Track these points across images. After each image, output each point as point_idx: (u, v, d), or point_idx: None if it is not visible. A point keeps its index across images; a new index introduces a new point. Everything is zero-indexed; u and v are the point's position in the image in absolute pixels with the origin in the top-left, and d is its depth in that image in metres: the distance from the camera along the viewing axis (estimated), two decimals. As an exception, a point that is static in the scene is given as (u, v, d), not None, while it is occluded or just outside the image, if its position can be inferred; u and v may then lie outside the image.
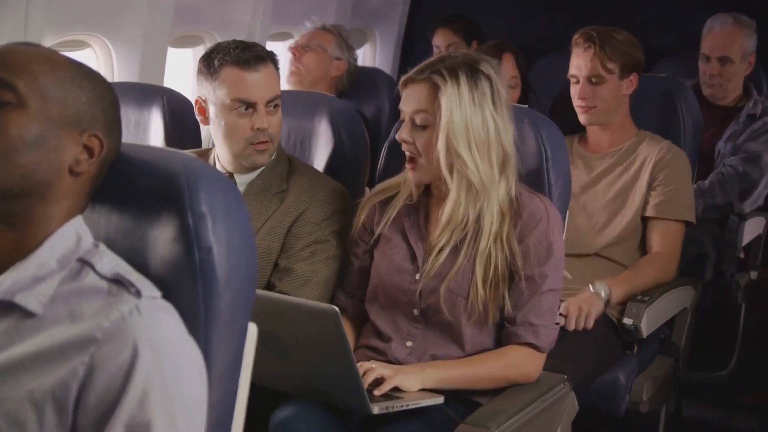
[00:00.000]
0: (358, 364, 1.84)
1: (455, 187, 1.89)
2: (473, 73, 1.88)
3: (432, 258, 1.94)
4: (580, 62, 2.67)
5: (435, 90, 1.87)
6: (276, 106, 2.16)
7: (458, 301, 1.92)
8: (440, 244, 1.94)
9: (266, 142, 2.14)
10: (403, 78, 1.94)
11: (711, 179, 3.27)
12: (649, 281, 2.57)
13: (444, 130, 1.86)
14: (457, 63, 1.88)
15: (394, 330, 1.99)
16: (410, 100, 1.92)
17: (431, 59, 1.93)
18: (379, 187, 2.11)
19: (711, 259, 3.19)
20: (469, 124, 1.86)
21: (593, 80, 2.65)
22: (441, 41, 4.02)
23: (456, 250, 1.93)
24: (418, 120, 1.90)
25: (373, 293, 2.04)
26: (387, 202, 2.06)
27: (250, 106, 2.12)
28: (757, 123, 3.33)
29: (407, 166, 1.96)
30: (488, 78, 1.89)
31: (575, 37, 2.70)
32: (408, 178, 1.98)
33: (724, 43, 3.36)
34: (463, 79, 1.86)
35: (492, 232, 1.89)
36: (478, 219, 1.90)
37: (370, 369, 1.84)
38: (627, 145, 2.73)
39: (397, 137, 1.95)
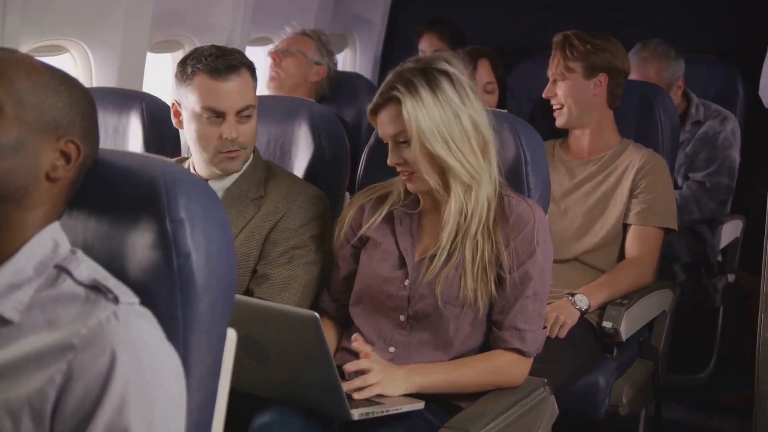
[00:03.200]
0: (350, 363, 1.84)
1: (453, 188, 1.90)
2: (428, 74, 1.88)
3: (426, 265, 1.94)
4: (551, 63, 2.76)
5: (399, 106, 1.87)
6: (248, 116, 2.14)
7: (448, 307, 1.92)
8: (436, 250, 1.93)
9: (236, 150, 2.13)
10: (369, 108, 1.93)
11: (684, 194, 3.29)
12: (627, 287, 2.59)
13: (417, 141, 1.87)
14: (411, 72, 1.89)
15: (378, 335, 1.99)
16: (385, 125, 1.91)
17: (388, 78, 1.92)
18: (366, 189, 2.11)
19: (684, 261, 3.22)
20: (439, 126, 1.86)
21: (556, 77, 2.73)
22: (426, 46, 4.02)
23: (448, 256, 1.93)
24: (399, 139, 1.90)
25: (358, 297, 2.04)
26: (376, 204, 2.06)
27: (220, 115, 2.11)
28: (703, 128, 3.35)
29: (404, 179, 1.95)
30: (444, 73, 1.89)
31: (553, 39, 2.77)
32: (408, 187, 1.98)
33: (637, 76, 3.31)
34: (420, 86, 1.86)
35: (482, 218, 1.90)
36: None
37: (361, 378, 1.83)
38: (609, 153, 2.75)
39: (388, 163, 1.94)
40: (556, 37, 2.75)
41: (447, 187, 1.91)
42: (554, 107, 2.75)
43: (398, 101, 1.87)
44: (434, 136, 1.86)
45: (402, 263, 1.99)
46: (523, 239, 1.91)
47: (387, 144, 1.95)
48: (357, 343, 1.90)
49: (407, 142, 1.89)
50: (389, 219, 2.03)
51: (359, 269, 2.04)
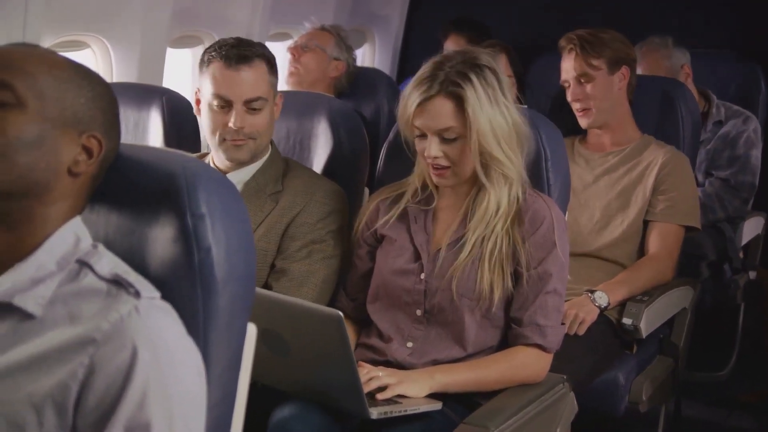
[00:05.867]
0: (365, 370, 1.84)
1: (494, 185, 1.90)
2: (480, 70, 1.87)
3: (442, 257, 1.94)
4: (567, 65, 2.72)
5: (457, 101, 1.86)
6: (258, 108, 2.14)
7: (463, 301, 1.92)
8: (450, 240, 1.94)
9: (241, 139, 2.14)
10: (416, 101, 1.88)
11: (708, 192, 3.27)
12: (646, 283, 2.57)
13: (475, 138, 1.86)
14: (462, 65, 1.87)
15: (396, 330, 1.99)
16: (434, 118, 1.88)
17: (430, 69, 1.89)
18: (382, 189, 2.11)
19: (715, 261, 3.20)
20: (493, 123, 1.86)
21: (582, 80, 2.69)
22: (453, 47, 3.98)
23: (461, 249, 1.93)
24: (447, 135, 1.89)
25: (375, 293, 2.04)
26: (391, 202, 2.06)
27: (228, 103, 2.13)
28: (725, 128, 3.33)
29: (434, 174, 1.94)
30: (491, 69, 1.89)
31: (559, 42, 2.74)
32: (434, 181, 1.97)
33: (644, 72, 3.28)
34: (475, 81, 1.85)
35: (508, 216, 1.90)
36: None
37: (376, 377, 1.83)
38: (631, 147, 2.74)
39: (426, 155, 1.91)
40: (565, 41, 2.70)
41: (490, 182, 1.91)
42: (580, 108, 2.71)
43: (455, 96, 1.85)
44: (489, 134, 1.86)
45: (417, 257, 1.99)
46: (541, 236, 1.91)
47: (417, 135, 1.92)
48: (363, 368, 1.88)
49: (455, 138, 1.88)
50: (404, 216, 2.03)
51: (376, 266, 2.05)
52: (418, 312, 1.98)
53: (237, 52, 2.13)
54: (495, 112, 1.86)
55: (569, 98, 2.72)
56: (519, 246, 1.90)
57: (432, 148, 1.89)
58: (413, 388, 1.84)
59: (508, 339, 1.96)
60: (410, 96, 1.90)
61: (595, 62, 2.66)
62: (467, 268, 1.92)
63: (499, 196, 1.91)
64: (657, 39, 3.38)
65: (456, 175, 1.92)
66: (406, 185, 2.05)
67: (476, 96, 1.85)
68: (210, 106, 2.15)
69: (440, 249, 1.96)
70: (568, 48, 2.69)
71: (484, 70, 1.87)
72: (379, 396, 1.80)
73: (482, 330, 1.94)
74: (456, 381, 1.89)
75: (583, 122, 2.73)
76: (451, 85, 1.85)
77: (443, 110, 1.87)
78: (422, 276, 1.97)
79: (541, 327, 1.91)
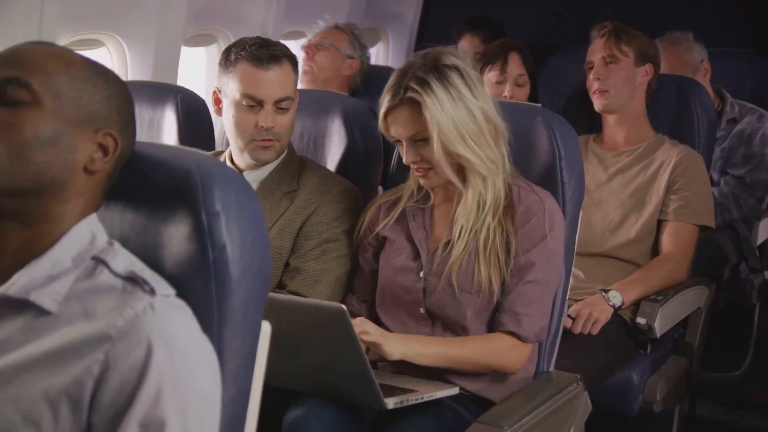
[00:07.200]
0: (357, 321, 1.82)
1: (470, 182, 1.91)
2: (440, 72, 1.88)
3: (440, 255, 1.95)
4: (595, 48, 2.74)
5: (417, 107, 1.88)
6: (285, 108, 2.15)
7: (464, 296, 1.92)
8: (450, 239, 1.94)
9: (270, 140, 2.14)
10: (382, 111, 1.93)
11: (723, 191, 3.25)
12: (660, 283, 2.57)
13: (437, 140, 1.87)
14: (423, 70, 1.89)
15: (403, 331, 1.99)
16: (401, 126, 1.91)
17: (397, 78, 1.92)
18: (381, 194, 2.13)
19: (731, 261, 3.19)
20: (456, 123, 1.87)
21: (608, 60, 2.69)
22: (467, 46, 3.97)
23: (454, 246, 1.93)
24: (417, 138, 1.91)
25: (381, 296, 2.05)
26: (391, 205, 2.07)
27: (258, 103, 2.13)
28: (740, 125, 3.31)
29: (419, 176, 1.96)
30: (454, 68, 1.89)
31: (593, 30, 2.76)
32: (421, 183, 1.99)
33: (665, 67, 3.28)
34: (435, 85, 1.86)
35: (498, 207, 1.91)
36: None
37: (363, 331, 1.82)
38: (644, 146, 2.73)
39: (404, 161, 1.95)
40: (598, 29, 2.73)
41: (464, 180, 1.92)
42: (599, 89, 2.71)
43: (415, 102, 1.87)
44: (453, 134, 1.87)
45: (416, 256, 2.00)
46: (531, 228, 1.91)
47: (394, 141, 1.96)
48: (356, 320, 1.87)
49: (425, 140, 1.90)
50: (402, 217, 2.05)
51: (380, 269, 2.06)
52: (421, 310, 1.98)
53: (268, 52, 2.13)
54: (459, 111, 1.87)
55: (590, 77, 2.73)
56: (512, 237, 1.91)
57: (407, 155, 1.93)
58: (388, 344, 1.84)
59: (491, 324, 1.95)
60: (380, 106, 1.93)
61: (624, 48, 2.69)
62: (464, 263, 1.92)
63: (479, 193, 1.91)
64: (678, 33, 3.38)
65: (438, 175, 1.93)
66: (404, 189, 2.07)
67: (434, 99, 1.86)
68: (238, 105, 2.14)
69: (438, 248, 1.97)
70: (601, 33, 2.72)
71: (443, 70, 1.88)
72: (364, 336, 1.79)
73: (484, 326, 1.94)
74: (429, 353, 1.89)
75: (598, 103, 2.73)
76: (409, 91, 1.87)
77: (407, 118, 1.90)
78: (421, 274, 1.97)
79: (518, 315, 1.90)
